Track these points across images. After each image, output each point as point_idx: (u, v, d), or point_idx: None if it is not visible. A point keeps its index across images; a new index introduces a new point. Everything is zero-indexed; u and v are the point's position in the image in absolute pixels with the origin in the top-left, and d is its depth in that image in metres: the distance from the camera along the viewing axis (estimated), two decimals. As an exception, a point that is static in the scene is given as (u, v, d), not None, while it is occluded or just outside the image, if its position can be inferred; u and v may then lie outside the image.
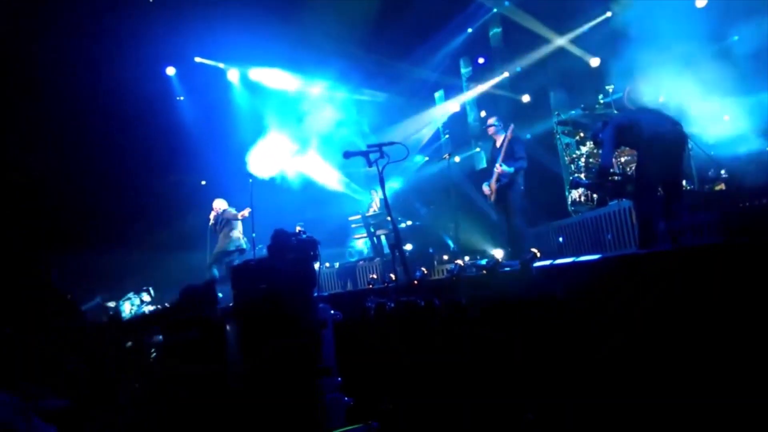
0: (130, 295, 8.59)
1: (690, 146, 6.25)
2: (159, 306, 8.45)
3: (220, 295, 8.73)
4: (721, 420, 2.35)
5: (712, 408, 2.38)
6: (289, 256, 4.12)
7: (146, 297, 8.63)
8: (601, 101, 8.55)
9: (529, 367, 3.19)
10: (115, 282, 9.14)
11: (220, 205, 9.15)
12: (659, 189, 5.13)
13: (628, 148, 6.65)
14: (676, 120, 5.16)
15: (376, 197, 10.46)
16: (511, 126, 7.17)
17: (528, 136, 9.94)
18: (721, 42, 7.55)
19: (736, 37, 7.51)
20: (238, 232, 9.04)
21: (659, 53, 7.22)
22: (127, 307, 8.43)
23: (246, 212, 8.70)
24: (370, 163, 4.51)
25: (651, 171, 5.04)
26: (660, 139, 4.97)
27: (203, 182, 11.39)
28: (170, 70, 11.15)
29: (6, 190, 8.46)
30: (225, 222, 9.02)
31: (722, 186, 6.85)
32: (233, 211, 8.98)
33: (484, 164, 11.46)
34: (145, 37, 9.59)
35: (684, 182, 7.14)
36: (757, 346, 2.25)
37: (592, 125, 7.69)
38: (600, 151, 5.86)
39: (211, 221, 9.14)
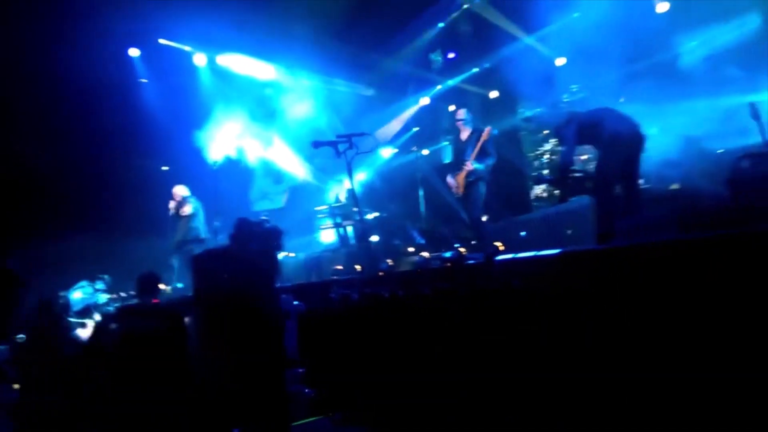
0: (84, 283, 8.30)
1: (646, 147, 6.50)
2: (114, 295, 8.21)
3: (180, 285, 8.58)
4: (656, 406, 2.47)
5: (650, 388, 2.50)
6: (252, 246, 4.08)
7: (100, 285, 8.36)
8: (566, 99, 8.74)
9: (492, 357, 3.26)
10: (73, 270, 8.86)
11: (180, 192, 8.96)
12: (617, 186, 5.31)
13: (589, 146, 6.84)
14: (635, 121, 5.35)
15: (343, 187, 10.44)
16: (489, 128, 7.24)
17: (495, 131, 10.09)
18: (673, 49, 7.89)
19: (694, 43, 7.82)
20: (197, 221, 8.86)
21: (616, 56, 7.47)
22: (78, 296, 8.14)
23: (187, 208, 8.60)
24: (338, 154, 4.50)
25: (610, 168, 5.22)
26: (620, 138, 5.15)
27: (165, 168, 11.11)
28: (133, 52, 10.80)
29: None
30: (183, 209, 8.83)
31: (677, 186, 7.12)
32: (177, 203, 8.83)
33: (450, 157, 11.57)
34: (108, 16, 9.24)
35: (641, 181, 7.41)
36: (712, 340, 2.37)
37: (555, 122, 7.86)
38: (562, 148, 6.01)
39: (172, 210, 8.94)
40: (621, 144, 5.16)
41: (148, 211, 9.89)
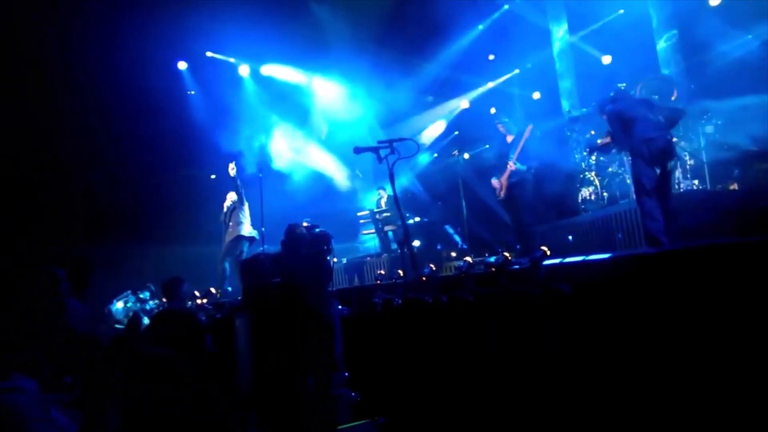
0: (128, 293, 8.53)
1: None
2: (160, 301, 8.44)
3: (229, 288, 8.74)
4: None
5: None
6: (303, 251, 4.12)
7: (145, 295, 8.59)
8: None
9: (535, 364, 3.19)
10: (124, 276, 9.21)
11: (232, 197, 9.14)
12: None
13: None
14: (666, 133, 5.20)
15: (384, 193, 10.47)
16: (530, 126, 7.14)
17: (538, 133, 9.90)
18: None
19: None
20: (246, 222, 8.98)
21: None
22: (120, 305, 8.40)
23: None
24: (380, 159, 4.50)
25: (643, 175, 5.09)
26: (648, 148, 5.04)
27: (213, 176, 11.44)
28: (182, 65, 11.21)
29: (15, 185, 8.54)
30: (232, 211, 8.97)
31: (735, 186, 6.79)
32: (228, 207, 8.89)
33: (492, 160, 11.44)
34: (157, 32, 9.62)
35: (696, 182, 7.11)
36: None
37: (602, 123, 7.65)
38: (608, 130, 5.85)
39: (224, 212, 9.07)
40: (646, 154, 5.03)
41: (197, 218, 10.20)
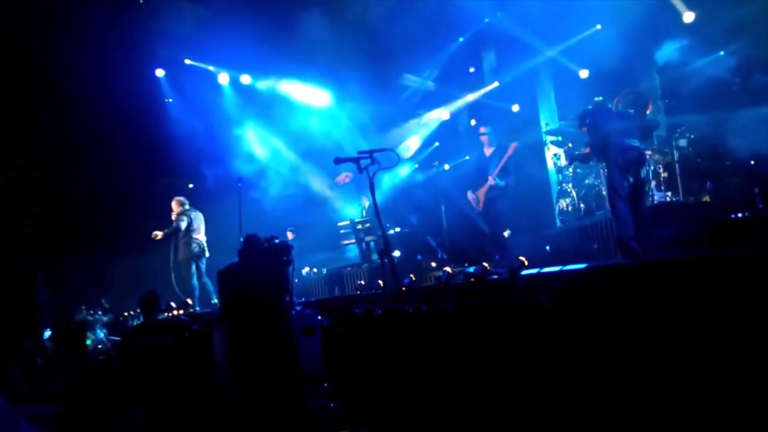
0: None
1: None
2: (123, 313, 8.28)
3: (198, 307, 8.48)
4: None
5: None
6: (261, 263, 4.07)
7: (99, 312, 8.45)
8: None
9: (516, 373, 3.20)
10: (99, 288, 9.03)
11: (175, 206, 8.74)
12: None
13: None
14: (639, 145, 5.42)
15: (367, 200, 10.47)
16: (515, 144, 7.23)
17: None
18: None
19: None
20: (196, 236, 8.68)
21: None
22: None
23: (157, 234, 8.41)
24: (360, 170, 4.51)
25: (617, 185, 5.29)
26: (622, 158, 5.25)
27: (191, 185, 11.30)
28: (159, 72, 11.09)
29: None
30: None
31: (707, 198, 6.96)
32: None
33: (471, 171, 11.53)
34: (135, 39, 9.52)
35: (669, 194, 7.27)
36: (746, 356, 2.28)
37: (579, 135, 7.79)
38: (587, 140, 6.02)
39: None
40: (621, 163, 5.24)
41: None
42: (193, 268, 8.53)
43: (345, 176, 8.55)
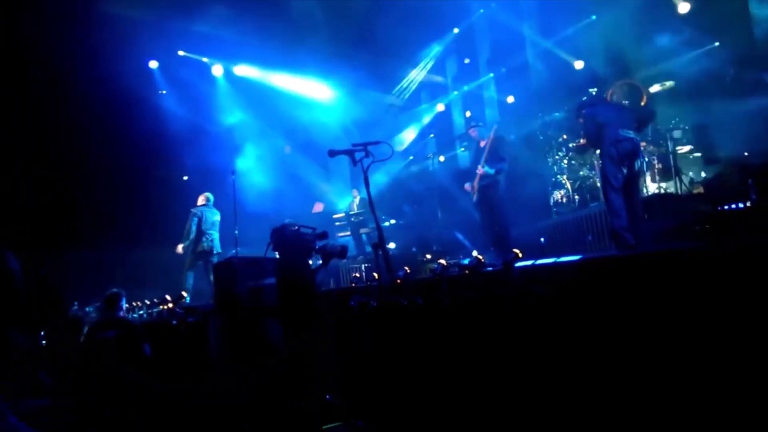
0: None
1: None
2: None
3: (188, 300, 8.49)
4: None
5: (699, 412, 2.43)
6: (294, 254, 4.24)
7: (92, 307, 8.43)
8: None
9: (510, 365, 3.21)
10: (95, 281, 8.97)
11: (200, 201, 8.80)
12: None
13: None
14: (634, 130, 5.42)
15: (357, 194, 10.46)
16: (495, 126, 7.22)
17: (512, 136, 10.02)
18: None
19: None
20: (209, 232, 8.58)
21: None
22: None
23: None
24: (354, 162, 4.48)
25: (611, 176, 5.29)
26: (617, 150, 5.26)
27: (185, 178, 11.25)
28: (153, 64, 11.00)
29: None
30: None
31: (701, 189, 6.98)
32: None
33: (468, 164, 11.53)
34: (128, 30, 9.42)
35: (663, 185, 7.29)
36: (739, 351, 2.30)
37: (574, 126, 7.80)
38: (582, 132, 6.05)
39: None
40: (615, 155, 5.25)
41: (170, 221, 9.97)
42: (200, 264, 8.50)
43: (319, 206, 8.59)
